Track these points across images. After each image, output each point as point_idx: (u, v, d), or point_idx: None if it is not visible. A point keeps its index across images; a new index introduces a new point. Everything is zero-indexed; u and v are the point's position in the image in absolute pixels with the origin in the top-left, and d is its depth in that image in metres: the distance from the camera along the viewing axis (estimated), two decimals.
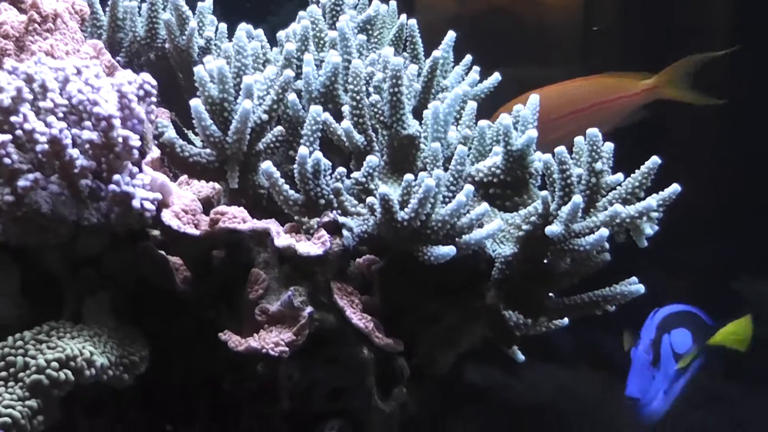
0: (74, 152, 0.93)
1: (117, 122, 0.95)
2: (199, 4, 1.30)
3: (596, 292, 1.12)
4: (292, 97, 1.14)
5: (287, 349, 0.99)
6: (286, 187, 1.08)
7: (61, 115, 0.94)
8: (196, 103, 1.07)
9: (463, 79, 1.27)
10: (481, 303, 1.11)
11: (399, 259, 1.06)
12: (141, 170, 0.99)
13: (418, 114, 1.15)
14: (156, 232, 1.07)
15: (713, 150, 2.16)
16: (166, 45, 1.27)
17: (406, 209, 1.01)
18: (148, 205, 0.97)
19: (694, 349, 1.62)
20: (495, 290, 1.11)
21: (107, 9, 1.29)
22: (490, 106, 1.23)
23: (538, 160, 1.12)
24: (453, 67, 1.29)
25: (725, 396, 1.91)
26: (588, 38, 2.14)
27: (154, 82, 1.03)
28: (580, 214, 1.05)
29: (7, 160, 0.92)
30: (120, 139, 0.95)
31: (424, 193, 1.00)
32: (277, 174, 1.07)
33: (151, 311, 1.06)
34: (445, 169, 1.07)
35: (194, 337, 1.07)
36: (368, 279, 1.09)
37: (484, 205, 1.04)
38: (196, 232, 1.02)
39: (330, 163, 1.09)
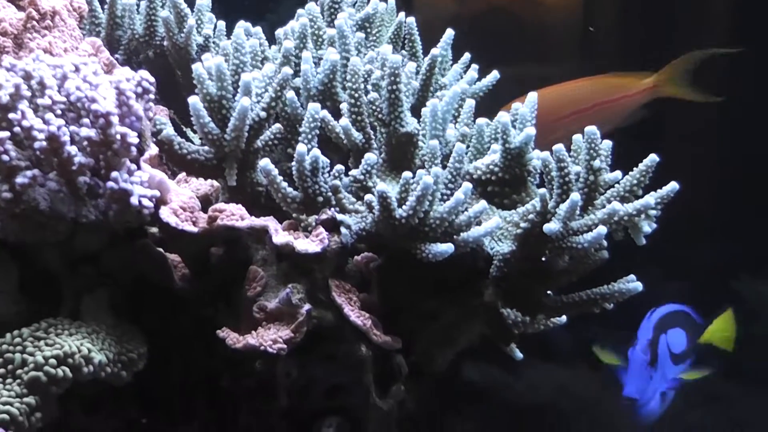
0: (72, 149, 0.93)
1: (115, 119, 0.95)
2: (198, 1, 1.30)
3: (594, 290, 1.12)
4: (290, 94, 1.14)
5: (285, 346, 0.99)
6: (284, 184, 1.08)
7: (59, 112, 0.94)
8: (194, 101, 1.07)
9: (462, 77, 1.27)
10: (479, 301, 1.11)
11: (397, 257, 1.06)
12: (139, 167, 0.99)
13: (416, 112, 1.15)
14: (154, 230, 1.07)
15: (713, 149, 2.16)
16: (165, 43, 1.27)
17: (404, 207, 1.01)
18: (146, 202, 0.97)
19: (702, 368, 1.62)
20: (493, 288, 1.11)
21: (106, 6, 1.29)
22: (489, 104, 1.23)
23: (537, 158, 1.12)
24: (451, 65, 1.29)
25: (724, 396, 1.91)
26: (587, 38, 2.14)
27: (153, 80, 1.03)
28: (578, 212, 1.05)
29: (5, 157, 0.92)
30: (118, 137, 0.95)
31: (422, 191, 1.00)
32: (275, 171, 1.07)
33: (150, 309, 1.06)
34: (444, 167, 1.07)
35: (192, 334, 1.07)
36: (366, 277, 1.09)
37: (483, 203, 1.04)
38: (195, 230, 1.02)
39: (328, 161, 1.09)
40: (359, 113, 1.13)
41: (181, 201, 1.03)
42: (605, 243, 1.10)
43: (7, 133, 0.92)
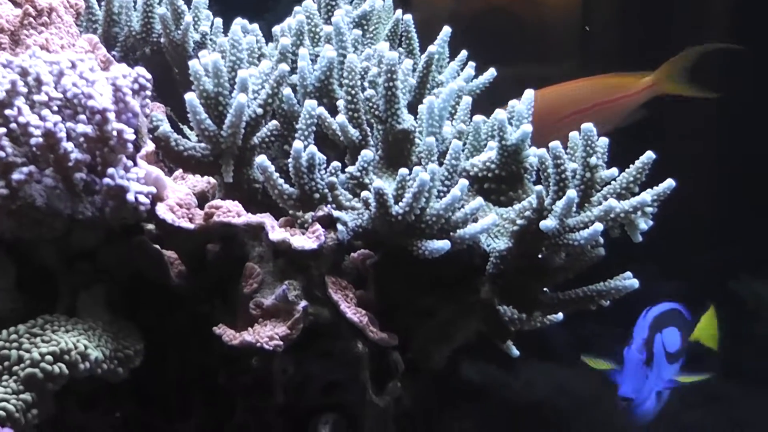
0: (69, 145, 0.93)
1: (111, 116, 0.95)
2: None
3: (590, 287, 1.12)
4: (287, 91, 1.14)
5: (282, 343, 0.99)
6: (281, 181, 1.08)
7: (55, 108, 0.94)
8: (190, 97, 1.07)
9: (459, 75, 1.27)
10: (475, 297, 1.11)
11: (393, 254, 1.06)
12: (135, 164, 0.99)
13: (413, 109, 1.15)
14: (151, 226, 1.07)
15: (712, 148, 2.17)
16: (162, 40, 1.27)
17: (400, 203, 1.01)
18: (142, 198, 0.97)
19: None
20: (489, 285, 1.11)
21: (102, 3, 1.29)
22: (487, 104, 1.23)
23: (533, 155, 1.12)
24: (448, 62, 1.29)
25: (724, 396, 1.92)
26: (585, 37, 2.14)
27: (149, 76, 1.03)
28: (574, 209, 1.05)
29: (1, 154, 0.91)
30: (114, 133, 0.95)
31: (419, 188, 1.00)
32: (272, 168, 1.07)
33: (146, 305, 1.06)
34: (440, 164, 1.07)
35: (189, 331, 1.07)
36: (363, 273, 1.09)
37: (479, 200, 1.04)
38: (191, 226, 1.01)
39: (325, 158, 1.09)
40: (356, 110, 1.13)
41: (178, 198, 1.03)
42: (601, 240, 1.11)
43: (3, 130, 0.92)
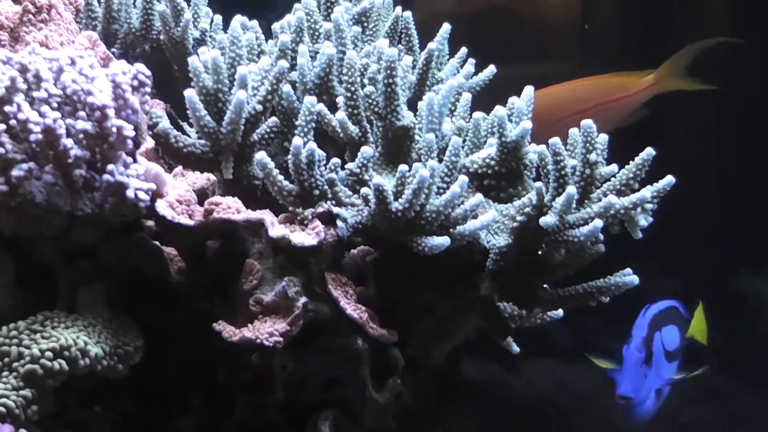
0: (68, 142, 0.93)
1: (111, 112, 0.95)
2: None
3: (590, 283, 1.12)
4: (286, 88, 1.14)
5: (281, 339, 0.99)
6: (281, 177, 1.08)
7: (55, 105, 0.94)
8: (190, 94, 1.07)
9: (459, 72, 1.27)
10: (475, 294, 1.11)
11: (393, 250, 1.06)
12: (135, 160, 0.99)
13: (413, 106, 1.15)
14: (150, 223, 1.07)
15: (712, 146, 2.17)
16: (161, 37, 1.27)
17: (400, 200, 1.01)
18: (142, 195, 0.97)
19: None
20: (489, 281, 1.11)
21: (102, 0, 1.28)
22: (486, 101, 1.23)
23: (533, 151, 1.12)
24: (448, 59, 1.29)
25: (724, 393, 1.92)
26: (586, 36, 2.14)
27: (149, 73, 1.03)
28: (574, 205, 1.05)
29: (0, 150, 0.92)
30: (114, 129, 0.95)
31: (418, 184, 1.00)
32: (272, 164, 1.07)
33: (146, 302, 1.06)
34: (440, 161, 1.07)
35: (189, 327, 1.07)
36: (363, 270, 1.09)
37: (479, 196, 1.04)
38: (191, 223, 1.02)
39: (324, 154, 1.09)
40: (355, 107, 1.13)
41: (178, 194, 1.03)
42: (601, 236, 1.10)
43: (2, 126, 0.92)
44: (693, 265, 2.10)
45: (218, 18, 1.30)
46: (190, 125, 1.15)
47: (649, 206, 1.08)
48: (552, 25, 2.14)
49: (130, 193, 0.96)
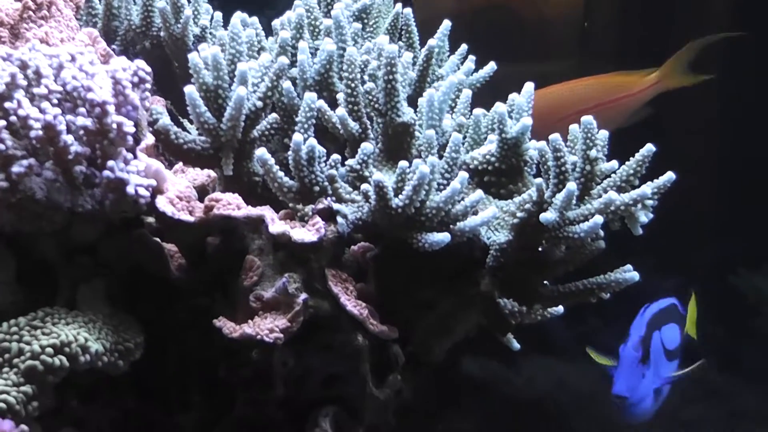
0: (68, 138, 0.93)
1: (111, 108, 0.95)
2: None
3: (591, 280, 1.12)
4: (286, 84, 1.14)
5: (282, 335, 0.99)
6: (281, 173, 1.08)
7: (55, 101, 0.94)
8: (190, 90, 1.07)
9: (459, 68, 1.27)
10: (475, 290, 1.11)
11: (394, 247, 1.06)
12: (135, 157, 0.99)
13: (414, 103, 1.15)
14: (151, 219, 1.07)
15: (713, 145, 2.17)
16: (162, 33, 1.27)
17: (400, 196, 1.01)
18: (142, 191, 0.97)
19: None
20: (490, 278, 1.11)
21: None
22: (487, 99, 1.23)
23: (533, 148, 1.12)
24: (448, 56, 1.29)
25: (724, 390, 1.92)
26: (587, 35, 2.14)
27: (149, 69, 1.03)
28: (574, 202, 1.05)
29: (1, 146, 0.91)
30: (114, 126, 0.95)
31: (419, 180, 1.00)
32: (272, 161, 1.07)
33: (146, 298, 1.06)
34: (440, 157, 1.07)
35: (189, 324, 1.07)
36: (363, 266, 1.09)
37: (479, 193, 1.04)
38: (191, 219, 1.01)
39: (324, 151, 1.09)
40: (356, 103, 1.13)
41: (178, 190, 1.03)
42: (602, 233, 1.10)
43: (3, 122, 0.92)
44: (693, 263, 2.10)
45: (218, 15, 1.30)
46: (191, 122, 1.15)
47: (650, 202, 1.08)
48: (552, 24, 2.14)
49: (130, 190, 0.96)
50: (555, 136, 1.06)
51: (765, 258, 2.06)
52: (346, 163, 1.10)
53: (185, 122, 1.21)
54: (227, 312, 1.03)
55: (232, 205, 1.02)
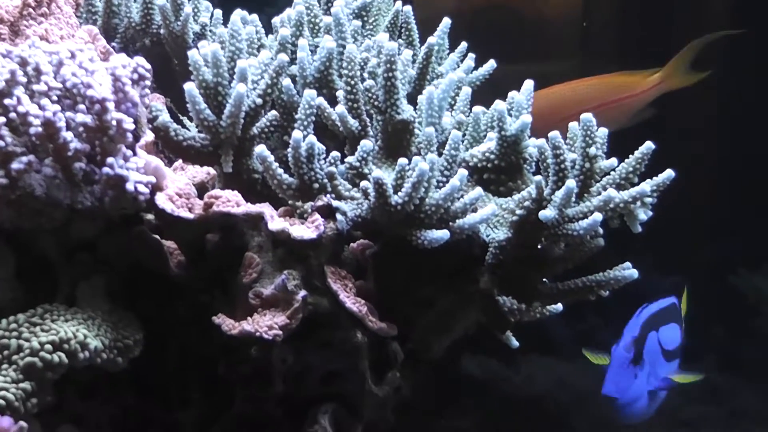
0: (68, 135, 0.93)
1: (111, 105, 0.95)
2: None
3: (590, 277, 1.12)
4: (286, 81, 1.14)
5: (281, 332, 0.99)
6: (280, 170, 1.08)
7: (55, 98, 0.94)
8: (190, 87, 1.07)
9: (459, 66, 1.27)
10: (474, 288, 1.11)
11: (393, 244, 1.06)
12: (135, 153, 0.99)
13: (413, 100, 1.15)
14: (150, 216, 1.07)
15: (713, 145, 2.17)
16: (161, 31, 1.27)
17: (399, 193, 1.01)
18: (141, 188, 0.97)
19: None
20: (489, 275, 1.11)
21: None
22: (487, 99, 1.23)
23: (532, 145, 1.12)
24: (448, 54, 1.29)
25: (724, 389, 1.92)
26: (585, 34, 2.15)
27: (149, 66, 1.03)
28: (573, 199, 1.05)
29: (0, 143, 0.92)
30: (114, 122, 0.95)
31: (418, 177, 1.00)
32: (271, 158, 1.07)
33: (146, 295, 1.06)
34: (440, 155, 1.07)
35: (188, 321, 1.07)
36: (362, 264, 1.09)
37: (478, 190, 1.04)
38: (190, 216, 1.01)
39: (324, 148, 1.09)
40: (355, 100, 1.13)
41: (177, 187, 1.03)
42: (601, 230, 1.10)
43: (2, 119, 0.92)
44: (693, 263, 2.10)
45: (218, 12, 1.30)
46: (190, 119, 1.15)
47: (649, 200, 1.08)
48: (552, 24, 2.14)
49: (129, 186, 0.96)
50: (554, 134, 1.06)
51: (765, 258, 2.06)
52: (346, 160, 1.10)
53: (185, 120, 1.21)
54: (226, 309, 1.03)
55: (231, 202, 1.02)
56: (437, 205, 1.02)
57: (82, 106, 0.94)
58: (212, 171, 1.12)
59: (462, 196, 1.04)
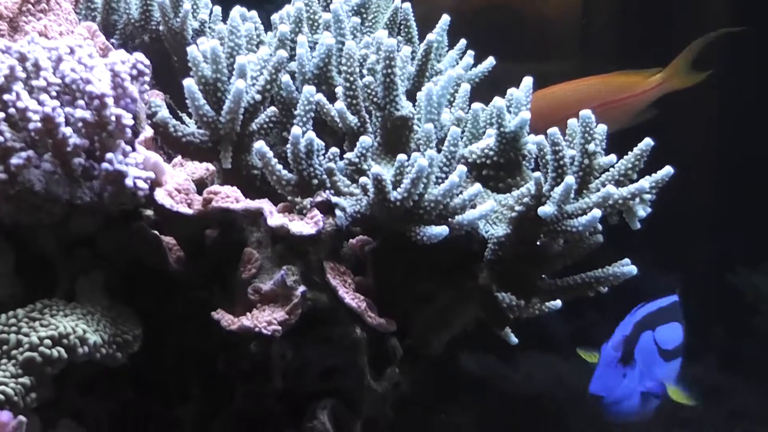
0: (67, 130, 0.93)
1: (110, 101, 0.95)
2: None
3: (589, 274, 1.11)
4: (285, 78, 1.14)
5: (280, 328, 0.99)
6: (279, 166, 1.08)
7: (54, 93, 0.94)
8: (189, 83, 1.07)
9: (458, 63, 1.27)
10: (473, 284, 1.11)
11: (392, 240, 1.06)
12: (134, 149, 0.99)
13: (413, 97, 1.15)
14: (149, 212, 1.07)
15: (712, 141, 2.17)
16: (161, 27, 1.27)
17: (398, 189, 1.02)
18: (141, 183, 0.97)
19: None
20: (488, 271, 1.11)
21: None
22: (486, 97, 1.23)
23: (532, 142, 1.12)
24: (447, 51, 1.29)
25: (723, 388, 1.92)
26: (585, 32, 2.15)
27: (148, 62, 1.03)
28: (572, 195, 1.05)
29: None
30: (113, 118, 0.95)
31: (417, 173, 1.00)
32: (270, 153, 1.07)
33: (145, 291, 1.06)
34: (439, 151, 1.08)
35: (187, 316, 1.07)
36: (361, 259, 1.09)
37: (477, 186, 1.05)
38: (190, 212, 1.02)
39: (323, 144, 1.09)
40: (354, 97, 1.13)
41: (176, 183, 1.03)
42: (600, 227, 1.10)
43: (1, 115, 0.92)
44: (691, 261, 2.10)
45: (217, 9, 1.30)
46: (189, 116, 1.15)
47: (648, 197, 1.08)
48: (552, 23, 2.15)
49: (128, 182, 0.96)
50: (553, 130, 1.06)
51: (763, 256, 2.06)
52: (345, 156, 1.10)
53: (184, 116, 1.21)
54: (226, 304, 1.03)
55: (230, 197, 1.02)
56: (436, 201, 1.03)
57: (81, 102, 0.94)
58: (211, 167, 1.12)
59: (461, 193, 1.04)
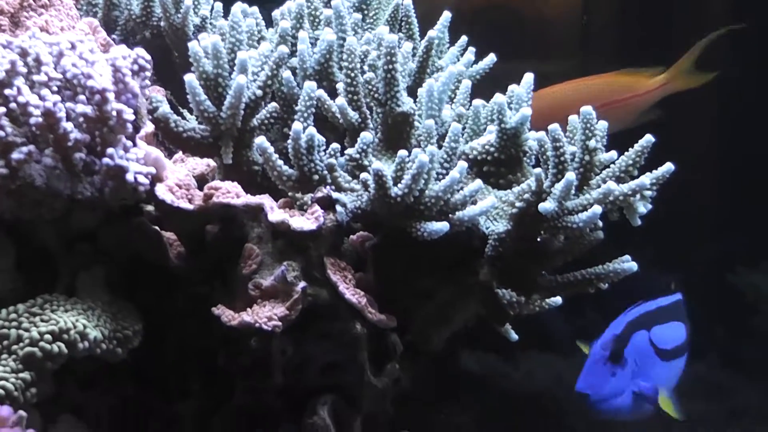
0: (68, 125, 0.93)
1: (111, 96, 0.95)
2: None
3: (589, 270, 1.12)
4: (286, 74, 1.14)
5: (280, 323, 0.99)
6: (280, 162, 1.08)
7: (55, 88, 0.94)
8: (190, 78, 1.08)
9: (459, 60, 1.27)
10: (474, 280, 1.11)
11: (392, 236, 1.06)
12: (135, 144, 0.99)
13: (414, 93, 1.16)
14: (150, 208, 1.07)
15: (713, 140, 2.17)
16: (162, 23, 1.27)
17: (399, 185, 1.02)
18: (141, 179, 0.97)
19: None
20: (488, 267, 1.11)
21: None
22: (487, 95, 1.23)
23: (532, 138, 1.12)
24: (448, 48, 1.29)
25: (723, 387, 1.92)
26: (585, 32, 2.15)
27: (149, 57, 1.03)
28: (573, 192, 1.05)
29: (0, 133, 0.92)
30: (114, 113, 0.95)
31: (418, 169, 1.00)
32: (271, 149, 1.07)
33: (145, 286, 1.06)
34: (440, 147, 1.08)
35: (188, 312, 1.07)
36: (362, 256, 1.09)
37: (478, 182, 1.05)
38: (190, 207, 1.01)
39: (324, 140, 1.09)
40: (355, 93, 1.13)
41: (177, 178, 1.03)
42: (600, 223, 1.10)
43: (2, 109, 0.92)
44: (691, 261, 2.10)
45: (218, 5, 1.30)
46: (190, 112, 1.15)
47: (648, 193, 1.08)
48: (552, 23, 2.15)
49: (129, 177, 0.96)
50: (554, 126, 1.06)
51: (763, 256, 2.06)
52: (346, 152, 1.10)
53: (185, 112, 1.21)
54: (226, 300, 1.03)
55: (231, 193, 1.02)
56: (437, 197, 1.03)
57: (82, 97, 0.94)
58: (212, 162, 1.12)
59: (462, 189, 1.04)
